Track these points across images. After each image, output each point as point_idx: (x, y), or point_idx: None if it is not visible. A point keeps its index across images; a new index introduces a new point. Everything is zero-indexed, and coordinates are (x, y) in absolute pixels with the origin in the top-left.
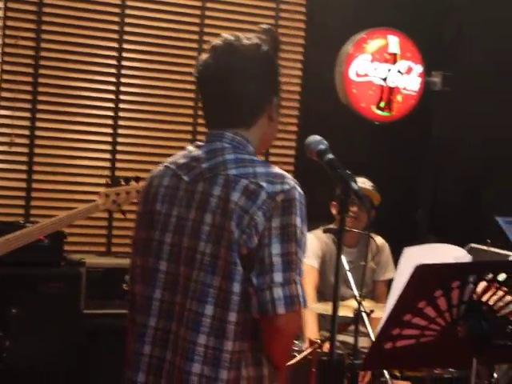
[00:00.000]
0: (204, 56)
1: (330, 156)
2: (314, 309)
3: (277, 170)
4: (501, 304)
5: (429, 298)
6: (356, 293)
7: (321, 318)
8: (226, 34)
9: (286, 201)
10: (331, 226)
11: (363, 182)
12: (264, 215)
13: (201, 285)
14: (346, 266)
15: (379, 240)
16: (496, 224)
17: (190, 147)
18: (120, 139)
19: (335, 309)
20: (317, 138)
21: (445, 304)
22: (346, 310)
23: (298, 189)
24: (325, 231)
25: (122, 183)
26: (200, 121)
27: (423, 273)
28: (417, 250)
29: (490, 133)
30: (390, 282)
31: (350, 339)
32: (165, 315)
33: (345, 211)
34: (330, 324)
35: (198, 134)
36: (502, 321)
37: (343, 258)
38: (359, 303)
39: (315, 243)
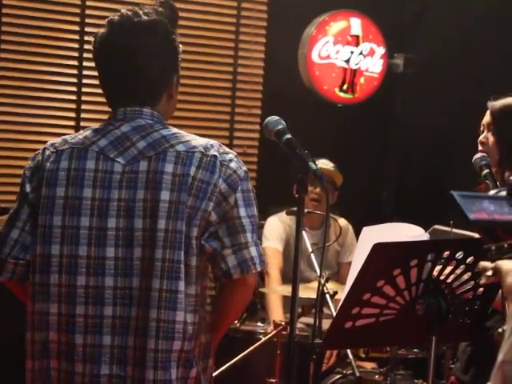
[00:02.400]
0: (101, 32)
1: (288, 136)
2: (278, 291)
3: (212, 141)
4: (458, 283)
5: (387, 276)
6: (318, 273)
7: (286, 300)
8: (124, 10)
9: (240, 167)
10: (294, 208)
11: (325, 163)
12: (226, 182)
13: (169, 262)
14: (309, 248)
15: (343, 222)
16: (452, 198)
17: (99, 127)
18: (83, 123)
19: (295, 290)
20: (275, 118)
21: (403, 283)
22: (311, 292)
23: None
24: (287, 213)
25: None
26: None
27: (381, 251)
28: (375, 230)
29: (451, 114)
30: None
31: (311, 321)
32: (121, 302)
33: (303, 192)
34: (290, 305)
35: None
36: (459, 299)
37: (306, 241)
38: (322, 285)
39: (279, 226)
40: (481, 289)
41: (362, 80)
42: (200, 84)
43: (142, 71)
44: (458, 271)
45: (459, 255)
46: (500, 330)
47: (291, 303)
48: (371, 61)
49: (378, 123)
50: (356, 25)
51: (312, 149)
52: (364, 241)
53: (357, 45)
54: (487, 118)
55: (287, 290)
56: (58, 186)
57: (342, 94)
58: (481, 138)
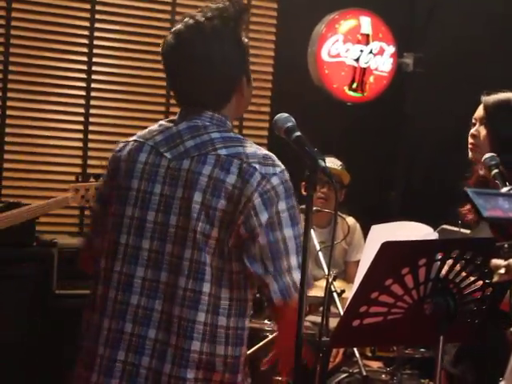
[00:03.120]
0: (168, 39)
1: (298, 133)
2: None
3: (264, 151)
4: (466, 282)
5: (396, 275)
6: (326, 272)
7: None
8: (191, 13)
9: (283, 182)
10: (302, 206)
11: (332, 162)
12: (262, 197)
13: (195, 263)
14: (317, 246)
15: (350, 220)
16: (465, 195)
17: (164, 123)
18: (92, 119)
19: (303, 288)
20: (284, 115)
21: (412, 282)
22: (318, 291)
23: (285, 168)
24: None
25: (92, 179)
26: (173, 101)
27: (390, 250)
28: (384, 228)
29: (461, 114)
30: None
31: (318, 320)
32: (147, 293)
33: (312, 189)
34: (298, 303)
35: (171, 114)
36: (467, 299)
37: (314, 239)
38: (329, 283)
39: None
40: (489, 289)
41: (371, 79)
42: None
43: (206, 80)
44: (467, 271)
45: (468, 255)
46: None
47: (299, 301)
48: (381, 60)
49: (387, 122)
50: (366, 23)
51: (320, 147)
52: (373, 239)
53: (367, 43)
54: (480, 112)
55: None
56: (117, 176)
57: (351, 93)
58: (472, 131)
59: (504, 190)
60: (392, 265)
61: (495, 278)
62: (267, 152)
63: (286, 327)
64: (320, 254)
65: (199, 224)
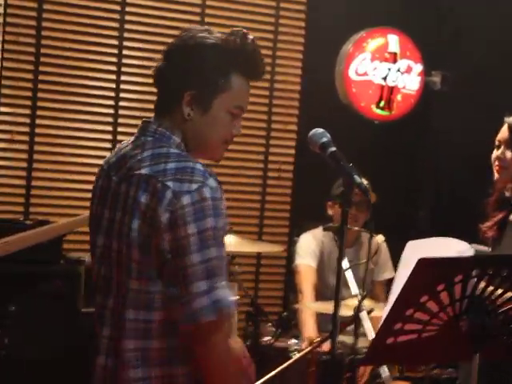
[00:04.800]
0: None
1: (333, 149)
2: (312, 308)
3: (189, 163)
4: (502, 300)
5: (431, 292)
6: (356, 291)
7: (319, 317)
8: (194, 27)
9: (195, 203)
10: (331, 224)
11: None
12: (171, 219)
13: (124, 287)
14: (346, 265)
15: (380, 238)
16: None
17: (123, 143)
18: (120, 137)
19: (336, 307)
20: (319, 130)
21: (447, 298)
22: (346, 310)
23: (210, 183)
24: (325, 229)
25: None
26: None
27: (426, 266)
28: (420, 244)
29: (488, 133)
30: (388, 282)
31: (348, 339)
32: (101, 321)
33: (348, 205)
34: (331, 322)
35: None
36: (504, 316)
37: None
38: (359, 302)
39: (313, 243)
40: None
41: (398, 97)
42: None
43: (159, 77)
44: (503, 288)
45: (504, 272)
46: None
47: (332, 319)
48: (408, 78)
49: (415, 141)
50: (393, 42)
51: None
52: (408, 255)
53: (394, 62)
54: (505, 134)
55: (321, 306)
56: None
57: (378, 111)
58: (497, 153)
59: None
60: (428, 281)
61: None
62: (192, 165)
63: (202, 362)
64: (348, 272)
65: (124, 247)
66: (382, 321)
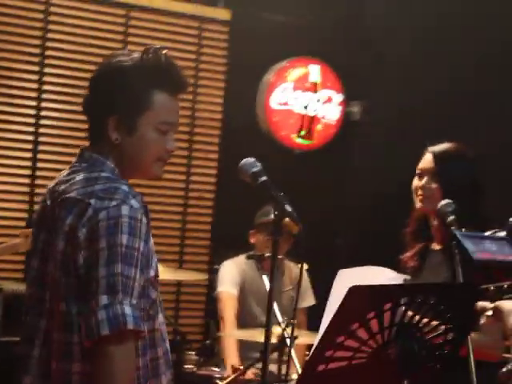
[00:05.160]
0: None
1: (264, 178)
2: (235, 335)
3: (115, 184)
4: (429, 327)
5: (362, 319)
6: (280, 319)
7: (241, 345)
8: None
9: (110, 218)
10: (252, 252)
11: None
12: (87, 234)
13: (54, 310)
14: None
15: (298, 268)
16: (455, 238)
17: (64, 171)
18: (40, 164)
19: (268, 333)
20: (250, 160)
21: (377, 326)
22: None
23: (131, 202)
24: (248, 257)
25: None
26: None
27: (357, 294)
28: (351, 272)
29: (410, 165)
30: (308, 310)
31: (271, 367)
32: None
33: (278, 234)
34: (263, 349)
35: None
36: (430, 344)
37: (266, 284)
38: (283, 329)
39: (234, 270)
40: (450, 334)
41: (319, 127)
42: None
43: (85, 105)
44: (430, 316)
45: (432, 300)
46: (504, 369)
47: (264, 345)
48: (329, 108)
49: (335, 171)
50: (315, 71)
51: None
52: (339, 283)
53: (315, 91)
54: (429, 163)
55: (244, 334)
56: None
57: (299, 140)
58: (421, 183)
59: (487, 233)
60: (358, 309)
61: (482, 321)
62: (117, 185)
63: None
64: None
65: (54, 269)
66: (314, 348)
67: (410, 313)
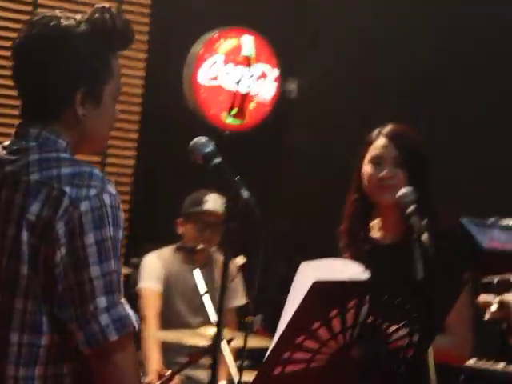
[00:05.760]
0: (22, 32)
1: (218, 160)
2: (158, 337)
3: (85, 168)
4: (393, 329)
5: (324, 318)
6: (213, 319)
7: (166, 348)
8: (45, 12)
9: (94, 210)
10: (180, 244)
11: (215, 200)
12: (67, 228)
13: (6, 308)
14: (202, 289)
15: (240, 260)
16: (462, 227)
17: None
18: None
19: (219, 336)
20: (202, 139)
21: (339, 326)
22: (199, 339)
23: (109, 189)
24: (178, 249)
25: None
26: None
27: (321, 290)
28: (314, 265)
29: (349, 145)
30: (238, 310)
31: (201, 374)
32: None
33: (233, 221)
34: (210, 352)
35: None
36: (394, 346)
37: (196, 279)
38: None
39: (158, 264)
40: (416, 336)
41: (252, 105)
42: None
43: (33, 81)
44: (395, 315)
45: (398, 298)
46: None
47: (213, 349)
48: (263, 84)
49: (269, 153)
50: (248, 44)
51: (197, 180)
52: (301, 277)
53: (248, 66)
54: (389, 150)
55: (168, 335)
56: None
57: (229, 120)
58: (384, 172)
59: (491, 220)
60: (321, 306)
61: (487, 316)
62: (90, 170)
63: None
64: (206, 297)
65: (6, 260)
66: (270, 349)
67: (374, 312)
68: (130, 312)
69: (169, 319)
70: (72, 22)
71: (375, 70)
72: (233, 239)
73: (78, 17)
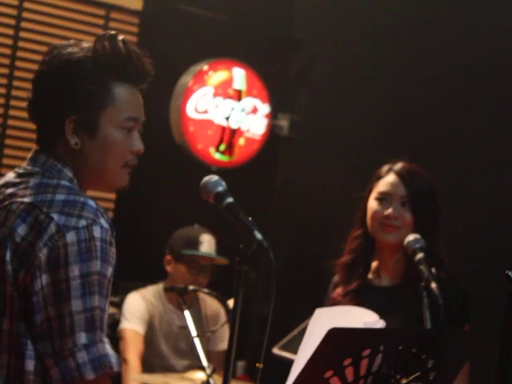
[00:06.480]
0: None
1: (230, 200)
2: (139, 380)
3: (80, 197)
4: (408, 380)
5: (337, 366)
6: (205, 364)
7: None
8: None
9: (81, 241)
10: (167, 283)
11: (209, 241)
12: (50, 256)
13: None
14: (194, 332)
15: (230, 304)
16: (509, 279)
17: (9, 173)
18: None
19: (226, 378)
20: (214, 177)
21: (352, 375)
22: (185, 383)
23: (101, 221)
24: (166, 290)
25: None
26: None
27: (336, 337)
28: (328, 312)
29: (341, 185)
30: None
31: None
32: None
33: (244, 263)
34: None
35: None
36: None
37: (189, 322)
38: (209, 376)
39: (141, 305)
40: None
41: (241, 141)
42: None
43: (35, 117)
44: (410, 366)
45: (414, 348)
46: None
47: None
48: (253, 120)
49: (257, 191)
50: (239, 77)
51: (183, 216)
52: (315, 324)
53: (239, 99)
54: (398, 188)
55: (150, 378)
56: None
57: (218, 156)
58: (389, 210)
59: None
60: (335, 354)
61: None
62: (83, 200)
63: None
64: (196, 340)
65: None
66: None
67: (388, 362)
68: (110, 352)
69: (152, 362)
70: (74, 49)
71: (369, 105)
72: (248, 283)
73: (87, 44)
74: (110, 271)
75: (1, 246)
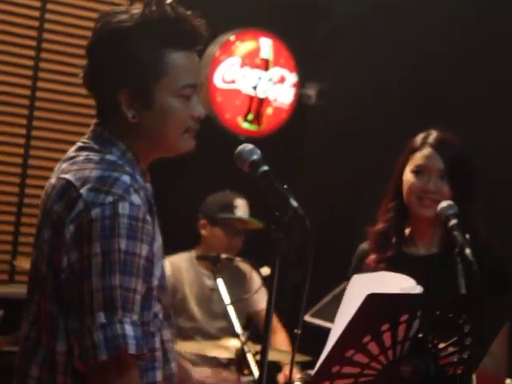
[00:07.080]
0: None
1: (265, 168)
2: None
3: (115, 173)
4: (445, 344)
5: (374, 332)
6: (239, 331)
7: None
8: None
9: (105, 218)
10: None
11: (244, 206)
12: (75, 233)
13: (35, 306)
14: (227, 299)
15: (264, 271)
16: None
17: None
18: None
19: (265, 349)
20: (249, 146)
21: (390, 340)
22: (222, 351)
23: (131, 198)
24: (199, 258)
25: None
26: None
27: (374, 303)
28: (366, 278)
29: (368, 154)
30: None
31: None
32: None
33: (281, 232)
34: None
35: None
36: (444, 362)
37: (222, 290)
38: (243, 343)
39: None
40: (466, 353)
41: (269, 110)
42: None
43: (90, 78)
44: (448, 331)
45: (451, 313)
46: None
47: (260, 366)
48: (281, 89)
49: (285, 161)
50: (266, 47)
51: (211, 184)
52: (353, 290)
53: (266, 69)
54: (436, 162)
55: (184, 347)
56: None
57: (245, 125)
58: (429, 185)
59: None
60: (373, 320)
61: None
62: (117, 175)
63: None
64: (230, 307)
65: (40, 261)
66: (319, 363)
67: (425, 327)
68: (131, 334)
69: (184, 327)
70: (123, 17)
71: (396, 73)
72: (282, 251)
73: (137, 10)
74: (144, 249)
75: (45, 225)
